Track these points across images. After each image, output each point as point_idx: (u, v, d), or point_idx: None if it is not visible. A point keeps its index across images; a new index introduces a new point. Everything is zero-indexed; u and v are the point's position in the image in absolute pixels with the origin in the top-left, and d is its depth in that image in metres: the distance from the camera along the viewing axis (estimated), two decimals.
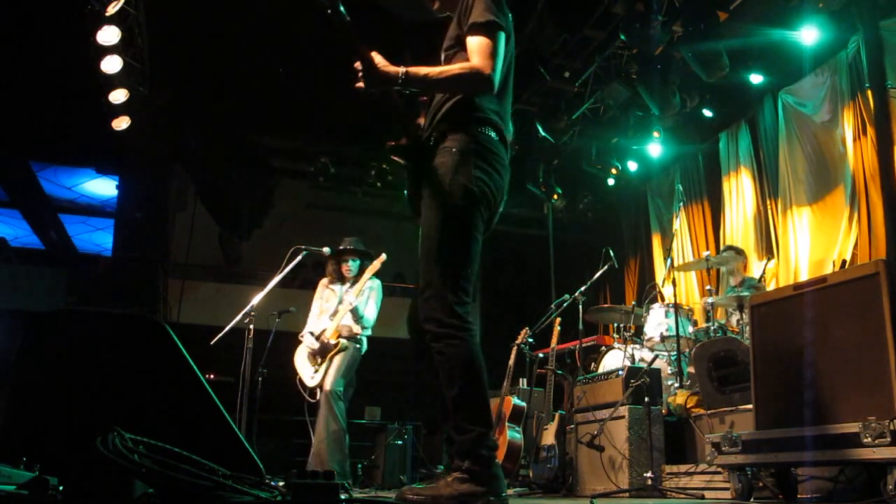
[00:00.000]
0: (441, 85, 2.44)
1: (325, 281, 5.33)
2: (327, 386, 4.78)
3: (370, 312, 5.12)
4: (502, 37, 2.44)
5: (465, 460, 2.23)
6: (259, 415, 5.63)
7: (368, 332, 5.17)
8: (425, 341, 2.40)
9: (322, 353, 4.95)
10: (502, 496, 2.26)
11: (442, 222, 2.38)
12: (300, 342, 5.12)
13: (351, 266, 5.18)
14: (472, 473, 2.21)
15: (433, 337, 2.34)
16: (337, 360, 4.90)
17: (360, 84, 2.37)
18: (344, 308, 5.00)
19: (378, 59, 2.35)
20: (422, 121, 2.61)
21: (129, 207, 8.93)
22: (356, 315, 5.01)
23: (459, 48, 2.48)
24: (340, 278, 5.23)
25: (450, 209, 2.38)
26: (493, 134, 2.49)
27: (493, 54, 2.38)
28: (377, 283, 5.23)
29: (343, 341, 4.94)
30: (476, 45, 2.39)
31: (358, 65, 2.32)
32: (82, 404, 1.73)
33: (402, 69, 2.34)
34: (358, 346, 5.04)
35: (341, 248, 5.21)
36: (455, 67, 2.40)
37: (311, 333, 5.02)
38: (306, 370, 5.00)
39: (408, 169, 2.57)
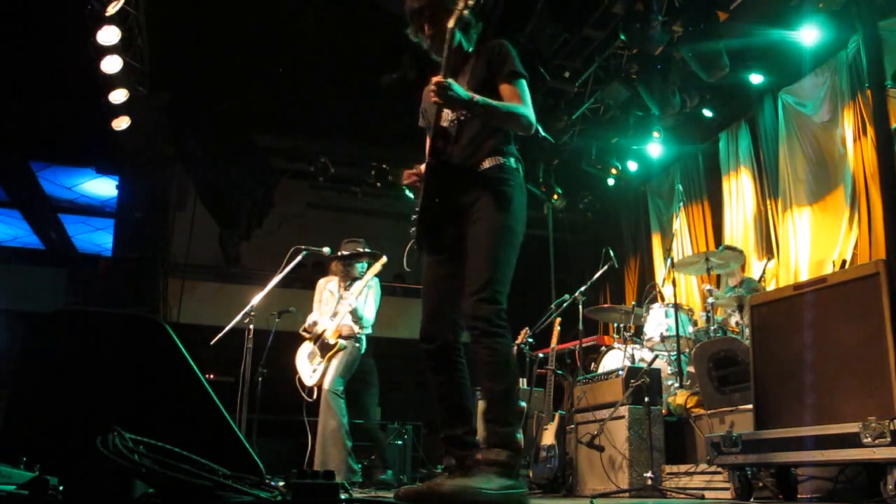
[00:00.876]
0: (501, 118, 2.72)
1: (322, 281, 5.36)
2: (326, 385, 4.81)
3: (369, 312, 5.13)
4: None
5: (505, 451, 2.41)
6: (259, 415, 5.62)
7: (368, 331, 5.18)
8: (435, 349, 2.65)
9: (322, 352, 4.96)
10: (526, 491, 2.49)
11: (502, 239, 2.62)
12: (302, 340, 5.14)
13: (359, 268, 5.24)
14: (506, 466, 2.39)
15: (483, 334, 2.53)
16: (336, 360, 4.92)
17: (437, 99, 2.59)
18: (343, 308, 5.01)
19: (453, 82, 2.60)
20: (438, 143, 2.79)
21: (129, 207, 8.92)
22: (355, 315, 5.03)
23: (492, 91, 2.73)
24: (346, 278, 5.24)
25: (508, 229, 2.65)
26: (521, 168, 2.81)
27: (531, 104, 2.75)
28: (375, 281, 5.25)
29: (341, 342, 4.95)
30: (521, 92, 2.74)
31: (439, 79, 2.54)
32: (82, 404, 1.73)
33: (475, 96, 2.62)
34: (357, 344, 5.05)
35: (355, 251, 5.23)
36: (514, 107, 2.70)
37: (314, 323, 5.10)
38: (305, 368, 5.03)
39: (431, 189, 2.72)
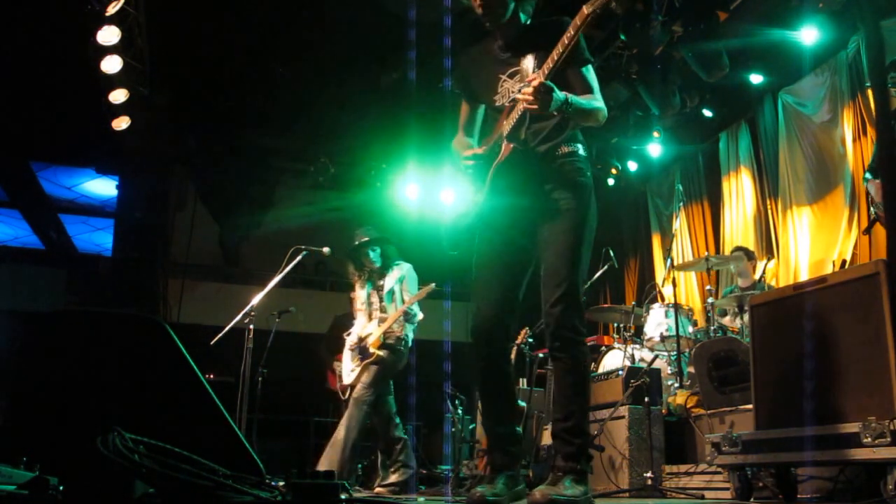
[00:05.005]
0: (587, 116, 2.52)
1: (353, 295, 5.15)
2: (355, 393, 4.67)
3: (411, 299, 4.81)
4: None
5: (580, 461, 2.41)
6: (259, 415, 5.63)
7: (413, 326, 4.92)
8: (490, 353, 2.56)
9: (361, 355, 4.82)
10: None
11: (582, 236, 2.49)
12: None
13: (372, 257, 4.97)
14: (584, 474, 2.41)
15: (570, 343, 2.43)
16: (371, 369, 4.72)
17: (532, 106, 2.36)
18: (390, 309, 4.79)
19: (553, 85, 2.39)
20: (501, 128, 2.60)
21: (129, 207, 8.93)
22: (406, 315, 4.75)
23: (564, 73, 2.49)
24: (365, 275, 5.00)
25: (587, 225, 2.52)
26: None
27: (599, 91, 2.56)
28: (406, 267, 4.97)
29: (378, 353, 4.73)
30: (592, 83, 2.55)
31: (540, 81, 2.33)
32: (82, 404, 1.73)
33: (567, 94, 2.41)
34: (400, 348, 4.80)
35: (354, 245, 5.02)
36: (597, 104, 2.52)
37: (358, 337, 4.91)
38: (347, 365, 4.90)
39: (500, 177, 2.57)
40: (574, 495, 2.30)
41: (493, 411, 2.65)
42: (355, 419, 4.58)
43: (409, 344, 4.91)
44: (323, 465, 4.50)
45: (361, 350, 4.82)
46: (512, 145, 2.53)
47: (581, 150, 2.60)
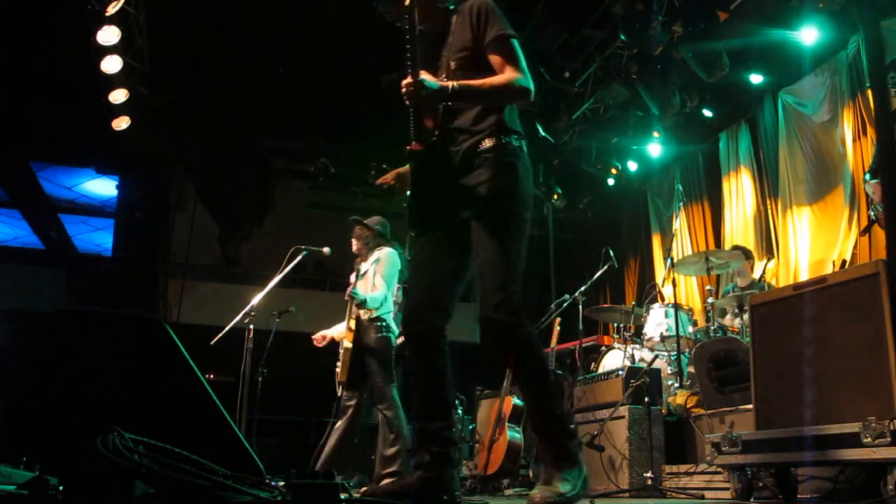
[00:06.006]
0: (491, 97, 2.45)
1: None
2: (375, 400, 4.56)
3: (372, 289, 4.59)
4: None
5: (564, 446, 2.36)
6: (259, 415, 5.63)
7: (387, 312, 4.65)
8: (419, 332, 2.49)
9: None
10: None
11: (511, 229, 2.42)
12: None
13: (353, 242, 4.86)
14: (574, 460, 2.36)
15: (505, 337, 2.37)
16: (367, 361, 4.56)
17: (408, 100, 2.35)
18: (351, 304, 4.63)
19: (427, 76, 2.36)
20: (429, 124, 2.58)
21: (129, 207, 8.93)
22: (355, 301, 4.53)
23: (477, 58, 2.48)
24: (357, 261, 4.86)
25: (516, 216, 2.45)
26: (525, 146, 2.56)
27: (525, 65, 2.46)
28: (385, 251, 4.74)
29: (348, 346, 4.57)
30: (510, 56, 2.45)
31: (408, 81, 2.31)
32: (82, 404, 1.73)
33: (452, 83, 2.37)
34: (379, 335, 4.56)
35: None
36: (501, 79, 2.42)
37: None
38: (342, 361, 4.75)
39: (422, 174, 2.53)
40: (568, 491, 2.25)
41: (418, 404, 2.52)
42: (390, 407, 4.43)
43: (391, 325, 4.66)
44: (384, 466, 4.40)
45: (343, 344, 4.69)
46: (421, 144, 2.49)
47: (511, 140, 2.49)
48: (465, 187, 2.46)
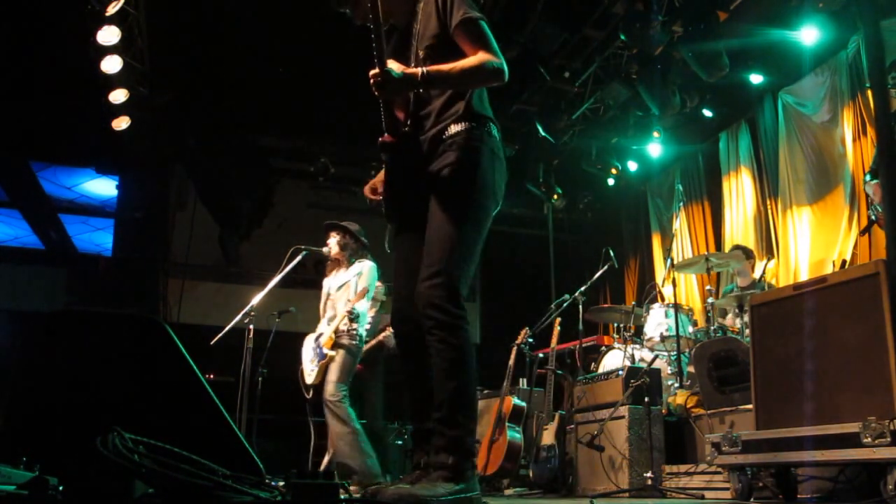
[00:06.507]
0: (462, 80, 2.40)
1: (325, 282, 5.12)
2: (326, 395, 4.57)
3: (359, 300, 4.71)
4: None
5: (452, 455, 2.18)
6: (259, 415, 5.63)
7: (364, 323, 4.82)
8: (407, 331, 2.44)
9: (318, 356, 4.75)
10: (479, 493, 2.26)
11: (464, 213, 2.36)
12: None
13: (330, 243, 4.89)
14: (454, 469, 2.17)
15: (438, 325, 2.26)
16: (331, 369, 4.63)
17: (378, 91, 2.33)
18: (340, 309, 4.74)
19: (395, 64, 2.32)
20: (400, 115, 2.55)
21: (129, 207, 8.93)
22: (352, 314, 4.69)
23: (446, 45, 2.44)
24: (332, 268, 4.95)
25: (473, 202, 2.39)
26: (496, 132, 2.51)
27: (495, 45, 2.40)
28: (367, 264, 4.84)
29: (331, 353, 4.64)
30: (479, 38, 2.40)
31: (375, 72, 2.27)
32: (82, 404, 1.73)
33: (421, 70, 2.33)
34: (354, 346, 4.72)
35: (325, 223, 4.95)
36: (472, 61, 2.36)
37: (315, 339, 4.85)
38: (307, 365, 4.82)
39: (394, 165, 2.53)
40: (434, 495, 2.05)
41: (412, 404, 2.48)
42: (341, 416, 4.49)
43: (362, 343, 4.81)
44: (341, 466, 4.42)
45: (318, 350, 4.72)
46: (392, 136, 2.48)
47: (478, 124, 2.44)
48: (430, 173, 2.43)
